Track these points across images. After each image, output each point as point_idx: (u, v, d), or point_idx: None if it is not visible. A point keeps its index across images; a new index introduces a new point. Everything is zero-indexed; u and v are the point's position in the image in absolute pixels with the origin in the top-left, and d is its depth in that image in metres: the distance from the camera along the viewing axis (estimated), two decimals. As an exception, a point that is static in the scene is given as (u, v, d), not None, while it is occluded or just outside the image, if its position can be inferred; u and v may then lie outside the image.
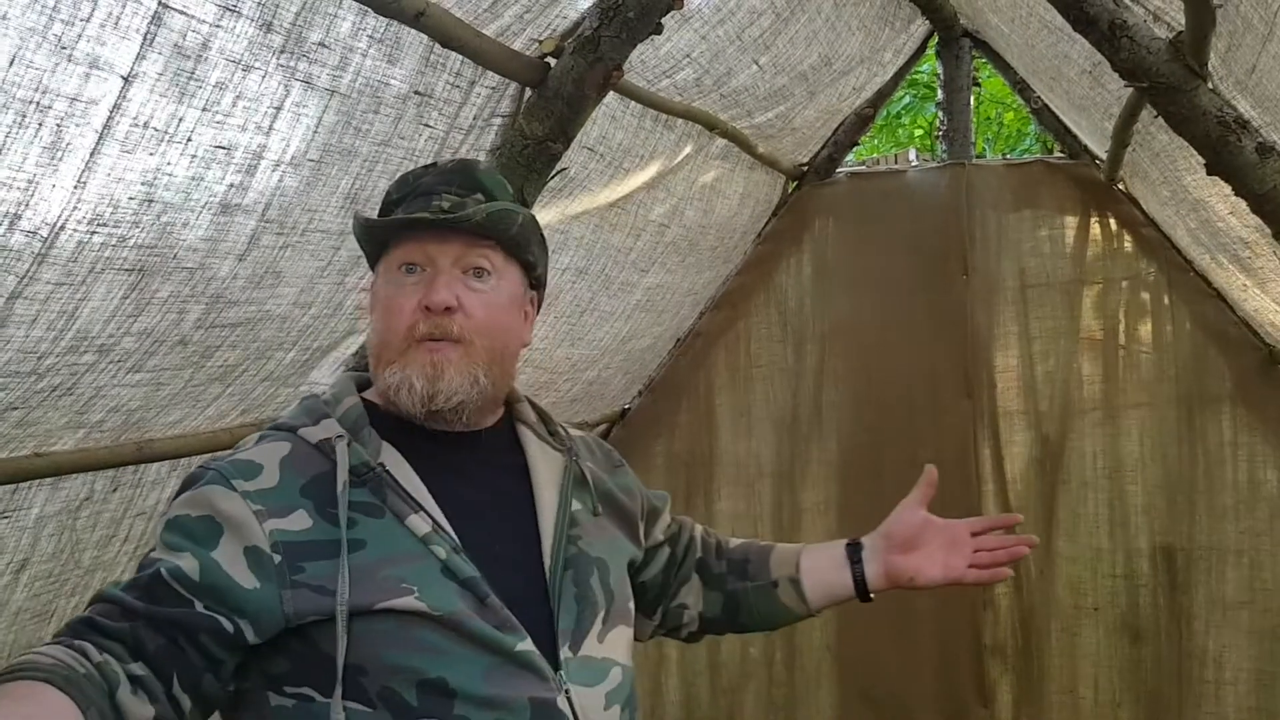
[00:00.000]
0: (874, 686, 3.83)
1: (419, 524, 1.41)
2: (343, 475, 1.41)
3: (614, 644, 1.53)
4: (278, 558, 1.35)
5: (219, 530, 1.36)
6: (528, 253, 1.56)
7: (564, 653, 1.44)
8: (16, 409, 1.61)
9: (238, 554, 1.34)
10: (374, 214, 1.55)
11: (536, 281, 1.61)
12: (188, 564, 1.32)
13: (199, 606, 1.31)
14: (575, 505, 1.58)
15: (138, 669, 1.26)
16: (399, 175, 1.56)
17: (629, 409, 4.00)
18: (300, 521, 1.38)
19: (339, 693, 1.33)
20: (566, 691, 1.42)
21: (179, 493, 1.41)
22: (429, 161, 1.61)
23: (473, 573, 1.41)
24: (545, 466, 1.59)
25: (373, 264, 1.56)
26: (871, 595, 1.83)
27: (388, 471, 1.44)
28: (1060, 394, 3.78)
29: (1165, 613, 3.65)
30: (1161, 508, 3.67)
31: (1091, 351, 3.77)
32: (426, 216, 1.46)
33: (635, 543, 1.70)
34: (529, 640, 1.41)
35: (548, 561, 1.49)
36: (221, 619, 1.32)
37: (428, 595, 1.37)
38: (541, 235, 1.60)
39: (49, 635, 1.92)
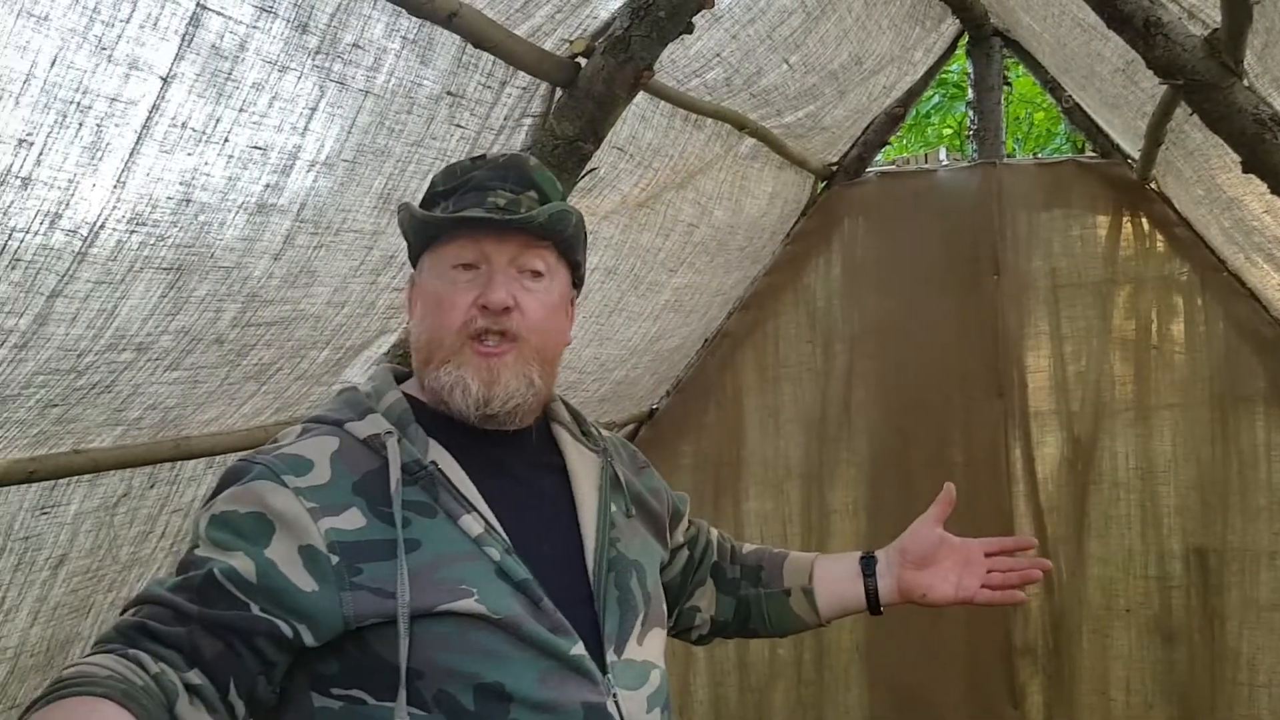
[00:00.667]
0: (903, 687, 3.82)
1: (472, 524, 1.40)
2: (396, 473, 1.38)
3: (651, 646, 1.52)
4: (335, 558, 1.32)
5: (270, 528, 1.32)
6: (577, 253, 1.56)
7: (610, 655, 1.43)
8: (56, 406, 1.63)
9: (292, 553, 1.32)
10: (416, 204, 1.53)
11: (579, 281, 1.61)
12: (241, 564, 1.29)
13: (255, 609, 1.28)
14: (613, 507, 1.57)
15: (194, 677, 1.24)
16: (445, 166, 1.54)
17: (657, 409, 4.00)
18: (354, 520, 1.35)
19: (403, 696, 1.31)
20: (614, 695, 1.41)
21: (220, 487, 1.37)
22: (476, 154, 1.60)
23: (526, 575, 1.39)
24: (583, 467, 1.57)
25: (415, 257, 1.53)
26: (882, 609, 1.84)
27: (440, 470, 1.42)
28: (1092, 394, 3.76)
29: (1198, 614, 3.62)
30: (1194, 509, 3.65)
31: (1123, 351, 3.75)
32: (490, 216, 1.43)
33: (663, 544, 1.70)
34: (581, 644, 1.40)
35: (590, 564, 1.48)
36: (280, 622, 1.29)
37: (486, 598, 1.35)
38: (587, 234, 1.59)
39: (87, 630, 1.95)
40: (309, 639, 1.32)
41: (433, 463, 1.42)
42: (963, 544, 1.83)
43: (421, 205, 1.52)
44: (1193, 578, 3.64)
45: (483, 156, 1.53)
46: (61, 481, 1.78)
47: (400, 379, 1.54)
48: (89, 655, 1.21)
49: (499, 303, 1.43)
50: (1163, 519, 3.68)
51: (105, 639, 1.25)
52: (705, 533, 1.90)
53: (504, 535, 1.41)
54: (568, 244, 1.52)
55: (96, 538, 1.90)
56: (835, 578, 1.83)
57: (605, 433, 1.71)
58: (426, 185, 1.54)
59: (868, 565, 1.84)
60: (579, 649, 1.40)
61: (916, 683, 3.81)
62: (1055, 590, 3.75)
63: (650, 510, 1.68)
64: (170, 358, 1.74)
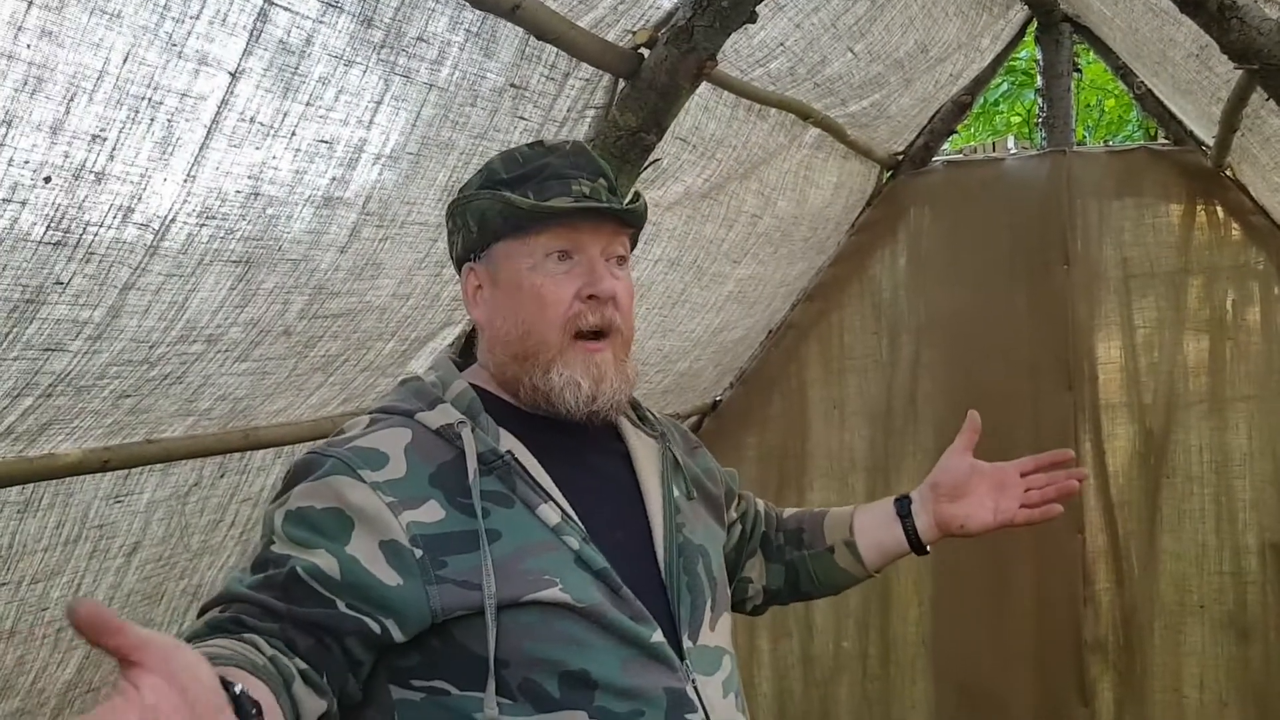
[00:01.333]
0: (969, 681, 3.78)
1: (549, 514, 1.40)
2: (473, 463, 1.38)
3: (722, 632, 1.52)
4: (419, 552, 1.32)
5: (349, 524, 1.32)
6: (638, 241, 1.59)
7: (686, 642, 1.43)
8: (129, 397, 1.67)
9: (374, 549, 1.31)
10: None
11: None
12: (325, 562, 1.29)
13: (342, 606, 1.29)
14: (675, 492, 1.56)
15: (301, 664, 1.25)
16: (501, 154, 1.52)
17: (720, 401, 4.00)
18: (433, 513, 1.35)
19: (492, 687, 1.31)
20: (693, 681, 1.41)
21: (291, 481, 1.37)
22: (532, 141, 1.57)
23: (604, 564, 1.39)
24: (645, 453, 1.57)
25: (482, 246, 1.48)
26: (927, 548, 1.84)
27: (516, 460, 1.41)
28: (1164, 386, 3.69)
29: (1274, 610, 3.55)
30: (1271, 503, 3.57)
31: (1197, 342, 3.67)
32: (598, 205, 1.43)
33: (722, 525, 1.70)
34: (659, 630, 1.40)
35: (660, 551, 1.48)
36: (367, 619, 1.30)
37: (570, 587, 1.36)
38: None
39: (160, 617, 1.99)
40: (397, 635, 1.32)
41: (508, 452, 1.41)
42: (995, 469, 1.85)
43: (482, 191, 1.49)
44: (1269, 573, 3.56)
45: (542, 143, 1.51)
46: (135, 470, 1.82)
47: (459, 369, 1.53)
48: (194, 643, 1.19)
49: (609, 291, 1.43)
50: (1238, 513, 3.60)
51: (198, 634, 1.25)
52: (753, 505, 1.91)
53: (580, 524, 1.41)
54: (640, 230, 1.55)
55: (168, 526, 1.94)
56: (874, 525, 1.84)
57: (660, 416, 1.71)
58: (479, 173, 1.51)
59: (903, 506, 1.85)
60: (658, 636, 1.40)
61: (984, 677, 3.77)
62: (1127, 586, 3.69)
63: (708, 492, 1.68)
64: (239, 349, 1.77)
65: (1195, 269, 3.68)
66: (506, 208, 1.44)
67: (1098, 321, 3.74)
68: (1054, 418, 3.72)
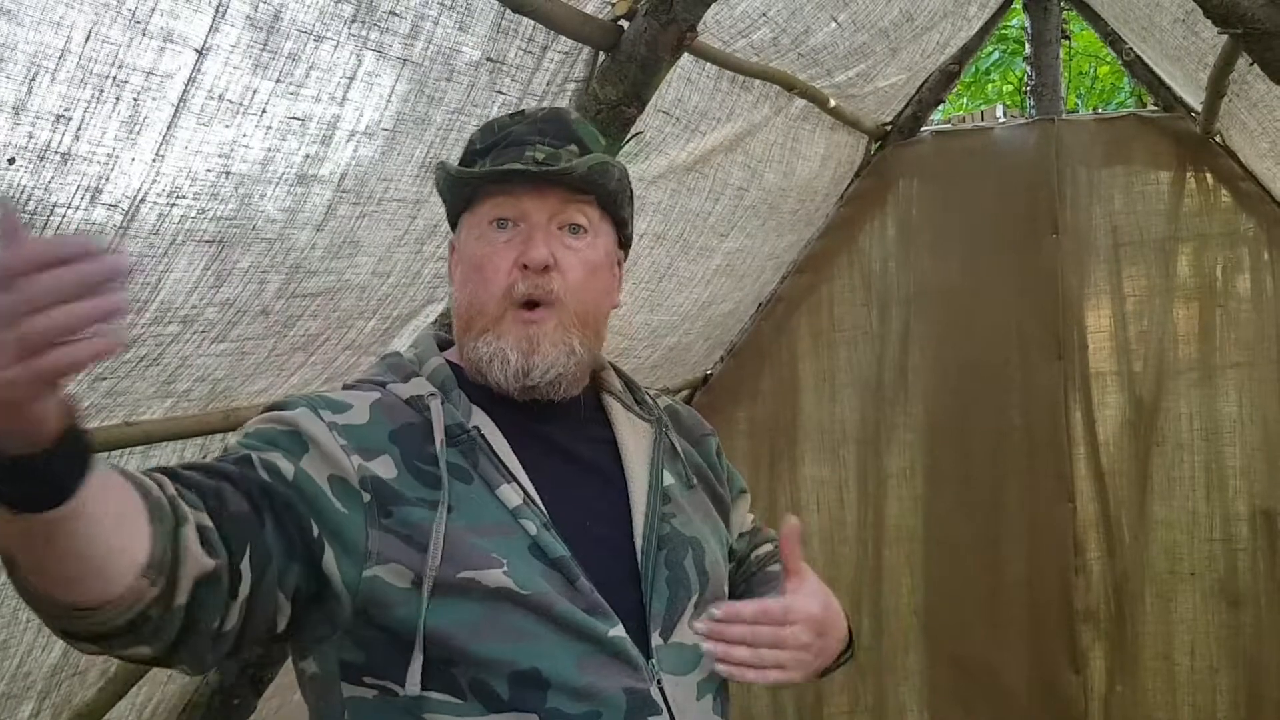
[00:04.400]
0: (962, 652, 3.79)
1: (510, 495, 1.33)
2: (439, 433, 1.33)
3: None
4: (367, 495, 1.27)
5: (305, 446, 1.28)
6: (622, 209, 1.48)
7: (655, 639, 1.35)
8: (106, 379, 1.65)
9: (324, 478, 1.26)
10: (456, 165, 1.46)
11: (626, 240, 1.53)
12: (282, 463, 1.24)
13: (291, 495, 1.23)
14: (668, 480, 1.48)
15: (207, 521, 1.13)
16: (484, 123, 1.47)
17: (711, 375, 3.99)
18: (386, 468, 1.30)
19: (418, 664, 1.24)
20: (659, 681, 1.33)
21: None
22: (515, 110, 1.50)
23: (563, 552, 1.32)
24: (634, 439, 1.49)
25: (454, 219, 1.48)
26: None
27: (482, 435, 1.36)
28: (1154, 354, 3.69)
29: (1265, 578, 3.56)
30: (1261, 470, 3.58)
31: (1187, 310, 3.67)
32: (524, 168, 1.37)
33: (726, 523, 1.60)
34: (620, 626, 1.32)
35: (639, 542, 1.40)
36: (312, 520, 1.24)
37: (515, 572, 1.28)
38: (632, 191, 1.51)
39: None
40: (331, 563, 1.25)
41: (475, 428, 1.36)
42: None
43: (461, 165, 1.46)
44: (1259, 540, 3.57)
45: (522, 112, 1.47)
46: (115, 453, 1.80)
47: (444, 346, 1.49)
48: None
49: (539, 260, 1.36)
50: (1228, 481, 3.61)
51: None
52: (764, 546, 1.71)
53: (543, 509, 1.34)
54: (611, 198, 1.44)
55: (151, 508, 1.93)
56: None
57: (664, 400, 1.64)
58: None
59: None
60: (618, 631, 1.31)
61: (976, 648, 3.78)
62: (1118, 554, 3.70)
63: (711, 485, 1.58)
64: (216, 330, 1.76)
65: (1185, 236, 3.67)
66: (445, 178, 1.43)
67: (1087, 290, 3.74)
68: (1044, 387, 3.72)
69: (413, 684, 1.25)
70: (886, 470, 3.89)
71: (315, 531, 1.24)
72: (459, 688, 1.27)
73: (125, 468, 1.09)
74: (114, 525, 1.02)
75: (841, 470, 3.93)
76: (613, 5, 2.11)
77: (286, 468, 1.25)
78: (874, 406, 3.90)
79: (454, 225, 1.49)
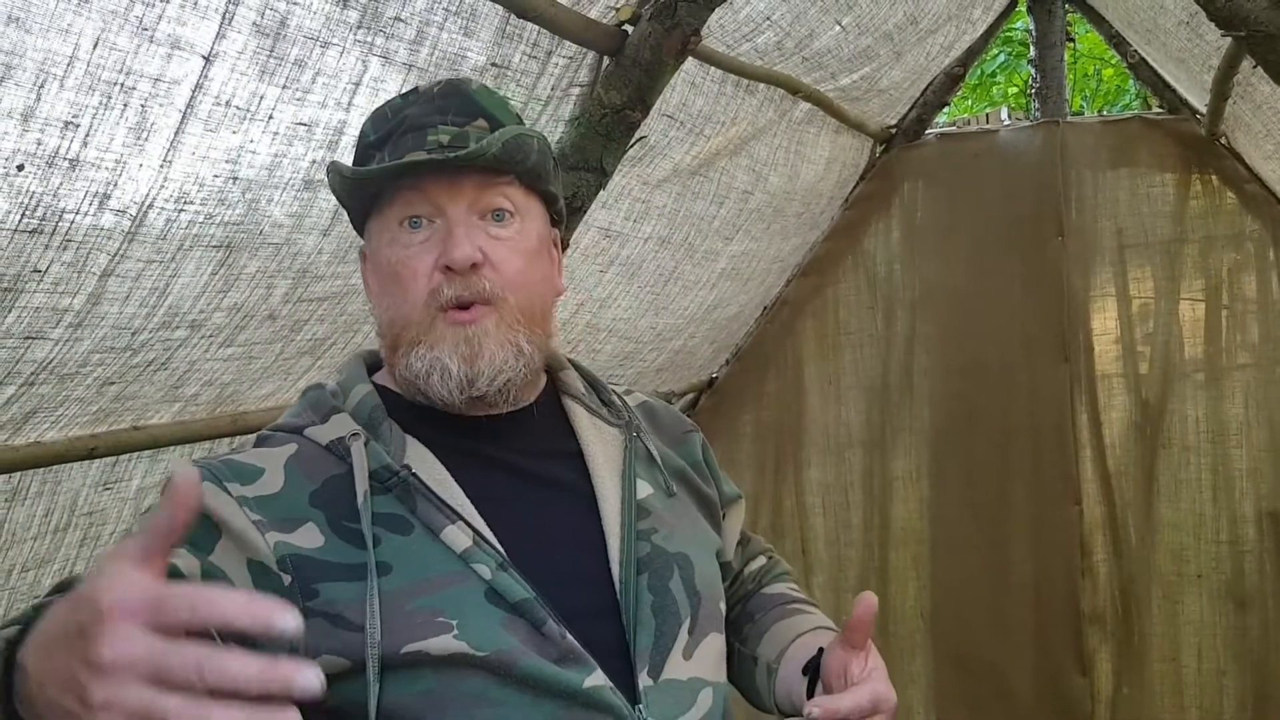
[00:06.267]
0: (969, 654, 3.78)
1: (457, 537, 1.17)
2: (363, 483, 1.17)
3: (703, 659, 1.27)
4: (287, 578, 1.12)
5: (215, 534, 1.12)
6: (549, 183, 1.31)
7: (643, 680, 1.19)
8: (114, 384, 1.66)
9: (241, 568, 1.12)
10: (349, 165, 1.28)
11: (558, 216, 1.37)
12: (184, 562, 1.07)
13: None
14: (644, 491, 1.33)
15: None
16: (374, 109, 1.31)
17: (716, 378, 3.99)
18: (310, 538, 1.15)
19: None
20: None
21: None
22: (408, 89, 1.34)
23: (525, 594, 1.16)
24: (601, 448, 1.33)
25: (359, 225, 1.32)
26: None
27: (414, 475, 1.20)
28: (1160, 356, 3.68)
29: (1272, 579, 3.55)
30: (1268, 472, 3.56)
31: (1193, 312, 3.66)
32: (428, 156, 1.20)
33: (716, 528, 1.44)
34: (599, 672, 1.17)
35: (616, 569, 1.24)
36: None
37: (469, 630, 1.13)
38: (556, 161, 1.35)
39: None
40: None
41: (406, 467, 1.20)
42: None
43: (355, 163, 1.29)
44: (1266, 542, 3.56)
45: (416, 89, 1.29)
46: (123, 458, 1.82)
47: (375, 368, 1.34)
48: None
49: (464, 259, 1.19)
50: (1235, 483, 3.60)
51: (22, 619, 0.95)
52: (758, 559, 1.61)
53: (498, 547, 1.18)
54: (533, 174, 1.27)
55: (159, 512, 1.93)
56: (791, 672, 1.40)
57: (638, 397, 1.50)
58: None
59: (814, 671, 1.38)
60: (595, 679, 1.16)
61: (982, 650, 3.77)
62: (1124, 556, 3.69)
63: (695, 487, 1.43)
64: (224, 334, 1.77)
65: (1190, 238, 3.66)
66: (340, 181, 1.27)
67: (1093, 292, 3.73)
68: (1050, 390, 3.72)
69: None
70: (892, 473, 3.88)
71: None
72: None
73: None
74: None
75: (847, 473, 3.92)
76: (617, 10, 2.12)
77: (191, 567, 1.08)
78: (879, 409, 3.90)
79: (361, 231, 1.33)
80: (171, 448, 1.89)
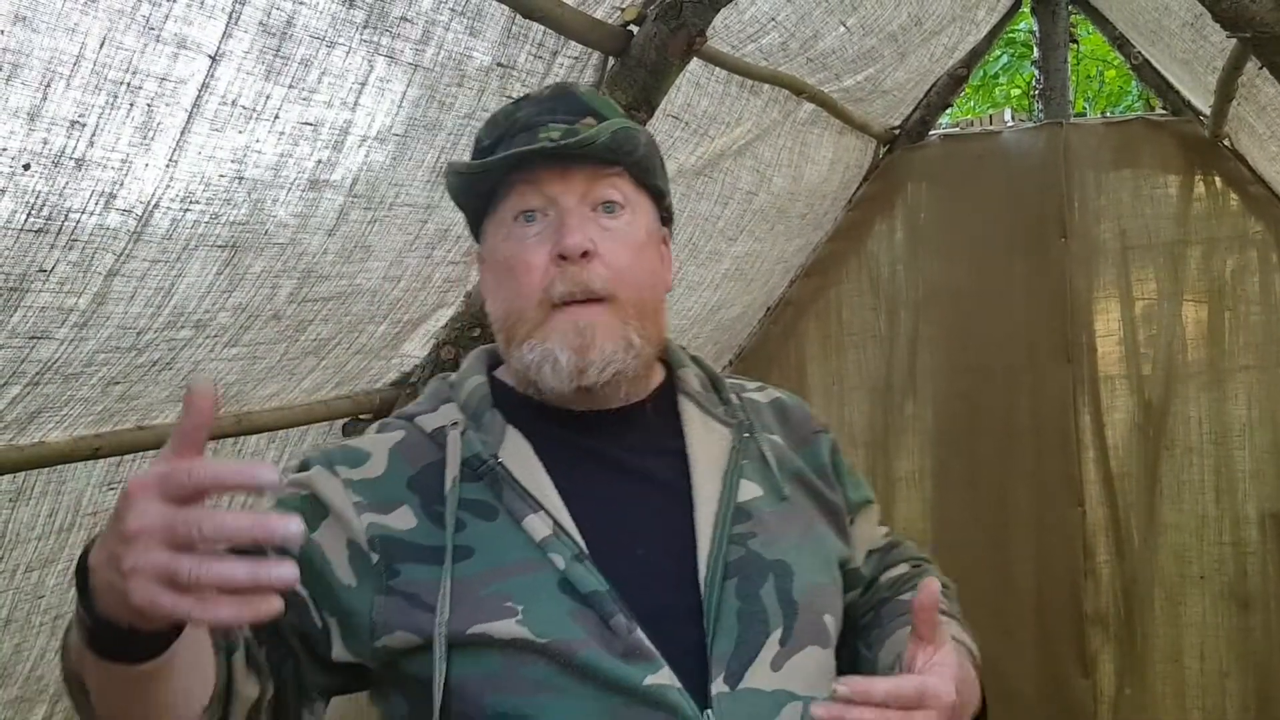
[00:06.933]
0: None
1: (538, 526, 1.19)
2: (453, 469, 1.22)
3: (796, 672, 1.21)
4: (375, 556, 1.19)
5: (324, 512, 1.21)
6: (657, 178, 1.33)
7: (716, 686, 1.16)
8: (119, 384, 1.66)
9: (340, 545, 1.20)
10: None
11: (667, 213, 1.39)
12: (298, 527, 1.13)
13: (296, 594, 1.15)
14: (750, 493, 1.29)
15: (250, 635, 1.13)
16: (488, 118, 1.34)
17: (720, 378, 3.98)
18: (404, 519, 1.21)
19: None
20: None
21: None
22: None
23: (597, 586, 1.17)
24: (705, 448, 1.31)
25: (476, 227, 1.35)
26: None
27: (501, 464, 1.23)
28: (1163, 357, 3.68)
29: (1274, 581, 3.54)
30: (1270, 473, 3.56)
31: (1196, 313, 3.66)
32: (538, 148, 1.23)
33: (840, 532, 1.39)
34: (665, 670, 1.15)
35: (703, 570, 1.21)
36: (311, 608, 1.18)
37: (533, 617, 1.15)
38: (663, 160, 1.36)
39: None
40: (336, 644, 1.20)
41: (494, 456, 1.23)
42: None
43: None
44: (1269, 544, 3.56)
45: (527, 96, 1.33)
46: (127, 457, 1.81)
47: (496, 363, 1.37)
48: None
49: (575, 246, 1.21)
50: (1237, 484, 3.60)
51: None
52: (901, 564, 1.52)
53: (577, 538, 1.19)
54: (642, 167, 1.29)
55: (163, 512, 1.93)
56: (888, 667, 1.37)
57: (767, 394, 1.45)
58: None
59: None
60: (660, 677, 1.14)
61: (985, 650, 3.74)
62: (1127, 558, 3.69)
63: (818, 492, 1.38)
64: (229, 334, 1.76)
65: (1194, 240, 3.66)
66: (455, 180, 1.31)
67: (1096, 294, 3.73)
68: (1053, 391, 3.72)
69: None
70: (895, 474, 3.88)
71: (318, 620, 1.19)
72: None
73: None
74: (191, 668, 1.02)
75: (850, 474, 3.92)
76: (622, 10, 2.12)
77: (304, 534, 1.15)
78: (882, 410, 3.90)
79: (477, 234, 1.36)
80: (176, 447, 1.88)
